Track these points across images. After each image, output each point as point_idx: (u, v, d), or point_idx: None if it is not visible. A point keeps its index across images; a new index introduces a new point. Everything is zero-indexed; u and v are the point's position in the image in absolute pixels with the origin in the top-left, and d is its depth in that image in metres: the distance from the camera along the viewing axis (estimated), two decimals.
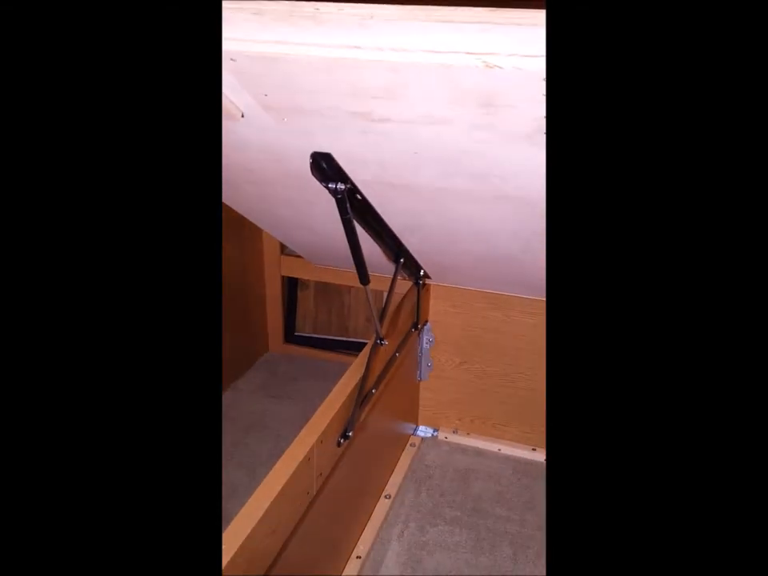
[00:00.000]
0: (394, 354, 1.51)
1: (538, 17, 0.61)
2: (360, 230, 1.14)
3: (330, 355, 2.20)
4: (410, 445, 1.80)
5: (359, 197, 1.08)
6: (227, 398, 2.01)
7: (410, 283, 1.60)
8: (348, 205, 1.04)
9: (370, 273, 1.19)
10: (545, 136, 0.78)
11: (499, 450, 1.79)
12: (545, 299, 1.57)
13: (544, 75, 0.66)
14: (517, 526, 1.55)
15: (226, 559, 0.89)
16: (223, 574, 0.88)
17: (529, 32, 0.63)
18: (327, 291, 2.24)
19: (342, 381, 1.30)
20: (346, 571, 1.42)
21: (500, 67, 0.66)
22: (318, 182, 1.01)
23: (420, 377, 1.78)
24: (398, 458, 1.74)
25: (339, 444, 1.25)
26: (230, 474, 1.70)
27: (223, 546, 0.91)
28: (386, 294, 1.43)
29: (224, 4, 0.69)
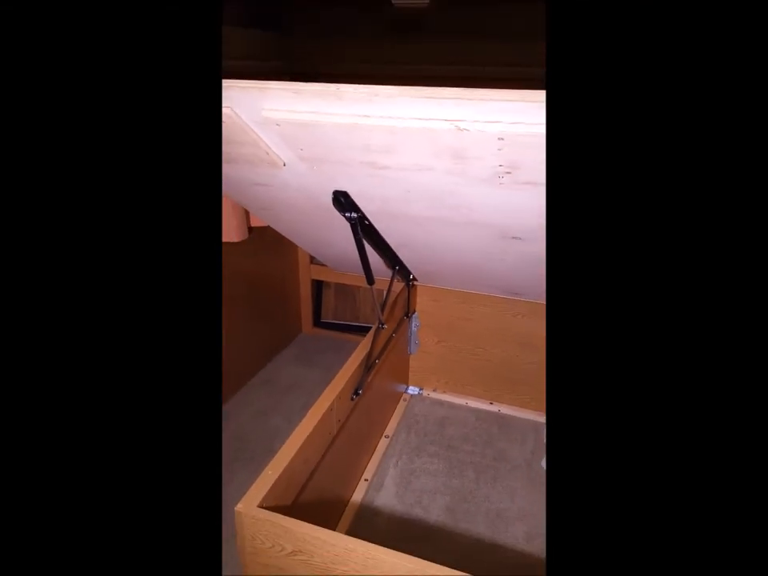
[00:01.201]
0: (391, 335, 1.51)
1: (497, 94, 0.61)
2: (367, 246, 1.14)
3: (346, 335, 2.20)
4: (403, 400, 1.80)
5: (367, 222, 1.08)
6: (272, 367, 2.00)
7: (402, 284, 1.60)
8: (359, 228, 1.05)
9: (374, 276, 1.20)
10: (499, 179, 0.78)
11: (466, 403, 1.78)
12: (501, 295, 1.58)
13: (499, 136, 0.67)
14: (478, 457, 1.55)
15: (272, 481, 0.89)
16: (270, 491, 0.88)
17: (489, 105, 0.63)
18: (344, 290, 2.24)
19: (354, 354, 1.30)
20: (357, 489, 1.42)
21: (468, 130, 0.67)
22: (338, 212, 1.02)
23: (410, 351, 1.78)
24: (394, 409, 1.74)
25: (352, 399, 1.25)
26: (274, 420, 1.70)
27: (270, 472, 0.91)
28: (385, 292, 1.43)
29: (272, 84, 0.70)
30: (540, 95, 0.60)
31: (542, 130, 0.64)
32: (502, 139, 0.67)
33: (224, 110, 0.75)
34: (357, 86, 0.64)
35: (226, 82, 0.71)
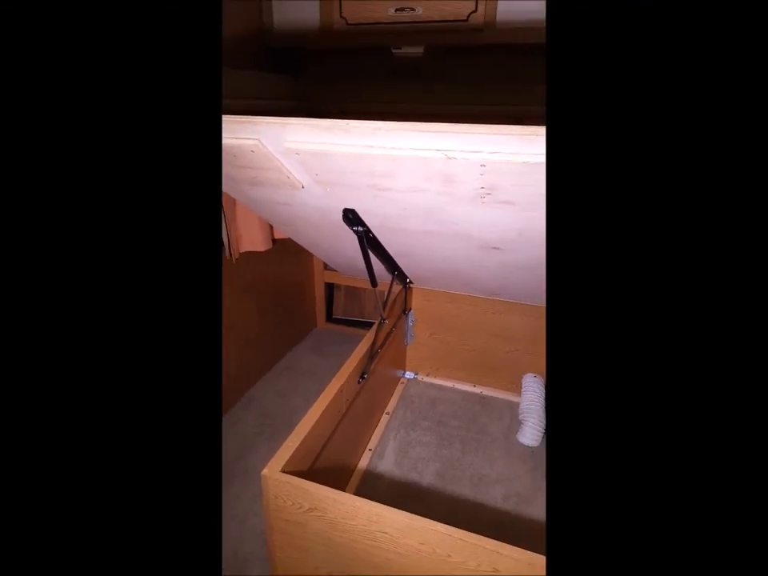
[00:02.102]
0: (391, 329, 1.51)
1: (479, 128, 0.61)
2: (371, 255, 1.14)
3: (353, 329, 2.20)
4: (401, 383, 1.80)
5: (371, 235, 1.08)
6: (291, 356, 2.00)
7: (401, 286, 1.60)
8: (364, 240, 1.04)
9: (377, 280, 1.20)
10: (482, 199, 0.78)
11: (454, 386, 1.78)
12: (482, 296, 1.58)
13: (481, 163, 0.67)
14: (464, 431, 1.55)
15: (292, 450, 0.89)
16: (291, 459, 0.88)
17: (473, 137, 0.63)
18: (351, 291, 2.24)
19: (360, 344, 1.30)
20: (363, 457, 1.42)
21: (455, 158, 0.67)
22: (347, 227, 1.02)
23: (407, 342, 1.78)
24: (393, 391, 1.74)
25: (359, 382, 1.25)
26: (294, 400, 1.70)
27: (290, 443, 0.91)
28: (386, 293, 1.43)
29: (292, 120, 0.69)
30: (514, 129, 0.60)
31: (516, 158, 0.64)
32: (484, 165, 0.67)
33: (252, 141, 0.75)
34: (363, 121, 0.64)
35: (253, 119, 0.71)
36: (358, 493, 1.29)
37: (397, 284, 1.54)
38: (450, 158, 0.67)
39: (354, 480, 1.34)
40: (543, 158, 0.61)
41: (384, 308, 1.41)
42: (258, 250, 1.58)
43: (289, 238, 1.39)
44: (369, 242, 1.08)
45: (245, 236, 1.54)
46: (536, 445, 1.48)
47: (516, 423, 1.58)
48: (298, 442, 0.91)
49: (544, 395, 1.57)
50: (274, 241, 1.67)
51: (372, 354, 1.30)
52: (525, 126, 0.59)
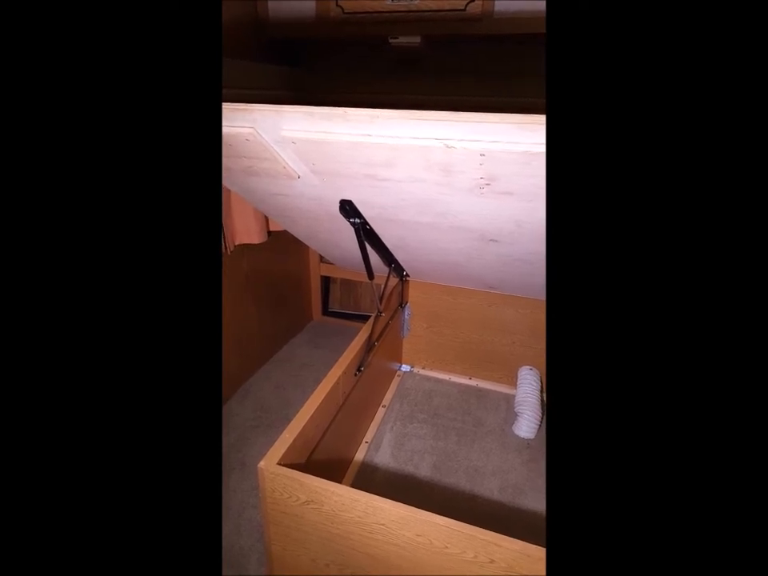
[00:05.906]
0: (388, 322, 1.50)
1: (479, 117, 0.60)
2: (368, 247, 1.13)
3: (349, 322, 2.19)
4: (397, 375, 1.79)
5: (368, 227, 1.07)
6: (288, 348, 1.99)
7: (397, 279, 1.59)
8: (361, 232, 1.03)
9: (373, 272, 1.19)
10: (480, 190, 0.77)
11: (450, 378, 1.78)
12: (479, 289, 1.57)
13: (481, 152, 0.66)
14: (459, 423, 1.55)
15: (288, 443, 0.88)
16: (287, 451, 0.87)
17: (473, 126, 0.62)
18: (348, 284, 2.23)
19: (356, 337, 1.29)
20: (359, 450, 1.41)
21: (455, 148, 0.66)
22: (343, 218, 1.00)
23: (403, 335, 1.77)
24: (390, 383, 1.74)
25: (355, 374, 1.24)
26: (291, 392, 1.69)
27: (287, 435, 0.90)
28: (383, 286, 1.42)
29: (288, 107, 0.68)
30: (514, 117, 0.59)
31: (517, 147, 0.63)
32: (484, 155, 0.66)
33: (247, 130, 0.74)
34: (361, 108, 0.63)
35: (248, 106, 0.70)
36: (355, 485, 1.28)
37: (393, 277, 1.53)
38: (449, 148, 0.65)
39: (351, 472, 1.33)
40: (544, 148, 0.60)
41: (381, 301, 1.40)
42: (253, 242, 1.57)
43: (284, 230, 1.38)
44: (366, 233, 1.06)
45: (240, 228, 1.53)
46: (531, 437, 1.48)
47: (511, 415, 1.58)
48: (295, 435, 0.90)
49: (539, 388, 1.58)
50: (270, 233, 1.65)
51: (368, 347, 1.29)
52: (525, 115, 0.58)
